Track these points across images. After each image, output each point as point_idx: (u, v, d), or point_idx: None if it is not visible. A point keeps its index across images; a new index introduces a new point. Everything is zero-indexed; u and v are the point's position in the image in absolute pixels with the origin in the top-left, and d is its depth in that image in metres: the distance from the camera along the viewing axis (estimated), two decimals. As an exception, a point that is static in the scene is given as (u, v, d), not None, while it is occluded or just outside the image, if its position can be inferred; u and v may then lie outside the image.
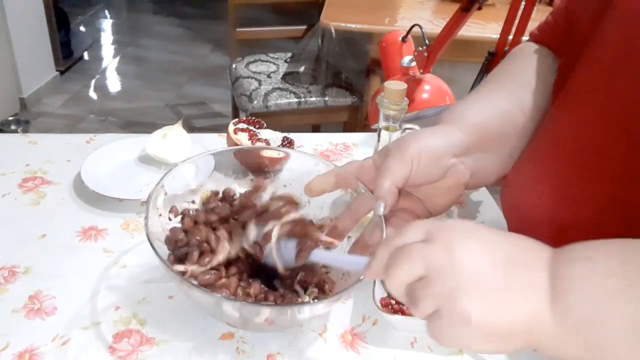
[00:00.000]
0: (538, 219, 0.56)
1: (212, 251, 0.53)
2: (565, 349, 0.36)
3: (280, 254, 0.52)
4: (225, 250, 0.53)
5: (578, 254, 0.37)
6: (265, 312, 0.50)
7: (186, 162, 0.61)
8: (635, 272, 0.34)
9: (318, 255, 0.52)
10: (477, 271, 0.37)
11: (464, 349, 0.38)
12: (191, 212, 0.58)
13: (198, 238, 0.54)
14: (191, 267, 0.52)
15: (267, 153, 0.69)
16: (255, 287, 0.52)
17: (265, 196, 0.59)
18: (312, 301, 0.54)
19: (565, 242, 0.39)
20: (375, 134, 0.72)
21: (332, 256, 0.55)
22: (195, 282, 0.51)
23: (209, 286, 0.51)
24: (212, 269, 0.53)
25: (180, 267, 0.52)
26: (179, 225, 0.57)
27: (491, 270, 0.37)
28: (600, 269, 0.36)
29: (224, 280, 0.52)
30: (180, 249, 0.54)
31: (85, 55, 3.57)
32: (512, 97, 0.61)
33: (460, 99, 0.63)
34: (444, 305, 0.37)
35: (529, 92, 0.61)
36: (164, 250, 0.54)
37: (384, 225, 0.53)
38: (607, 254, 0.37)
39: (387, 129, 0.70)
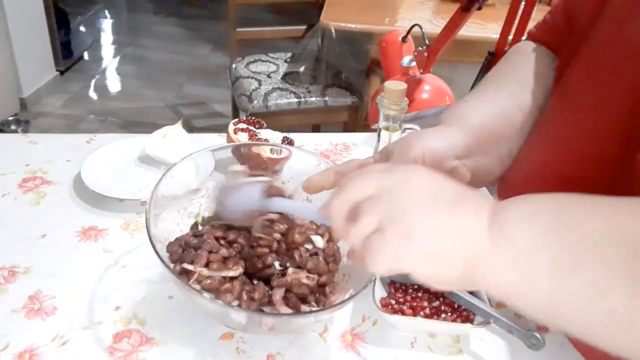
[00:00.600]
0: None
1: (223, 260, 0.54)
2: (501, 277, 0.37)
3: (245, 196, 0.54)
4: (239, 268, 0.54)
5: (520, 200, 0.38)
6: (268, 322, 0.50)
7: (186, 160, 0.61)
8: (563, 213, 0.36)
9: (280, 204, 0.53)
10: (424, 198, 0.39)
11: (399, 271, 0.39)
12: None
13: (210, 242, 0.54)
14: (199, 269, 0.52)
15: (266, 154, 0.69)
16: (260, 290, 0.52)
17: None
18: (316, 309, 0.54)
19: None
20: (375, 134, 0.72)
21: (294, 205, 0.55)
22: (197, 287, 0.51)
23: (212, 291, 0.51)
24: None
25: (189, 267, 0.52)
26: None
27: (437, 199, 0.39)
28: (535, 207, 0.37)
29: (227, 285, 0.52)
30: (190, 251, 0.54)
31: (85, 55, 3.56)
32: (511, 96, 0.62)
33: (461, 99, 0.63)
34: (387, 222, 0.38)
35: (528, 91, 0.62)
36: (165, 253, 0.54)
37: None
38: (543, 199, 0.38)
39: (387, 129, 0.70)
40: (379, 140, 0.73)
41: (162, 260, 0.49)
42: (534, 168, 0.57)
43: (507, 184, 0.61)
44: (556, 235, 0.35)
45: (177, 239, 0.57)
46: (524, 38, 0.73)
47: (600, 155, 0.50)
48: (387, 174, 0.41)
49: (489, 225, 0.37)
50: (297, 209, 0.54)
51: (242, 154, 0.67)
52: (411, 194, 0.39)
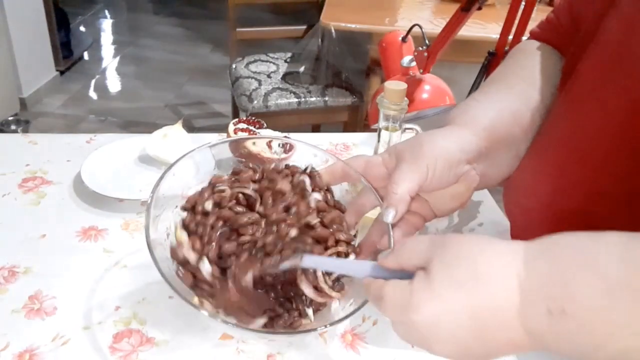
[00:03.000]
0: (539, 214, 0.56)
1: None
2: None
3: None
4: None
5: (552, 304, 0.36)
6: (261, 322, 0.49)
7: (185, 159, 0.59)
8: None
9: (310, 261, 0.49)
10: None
11: None
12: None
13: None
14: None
15: (266, 154, 0.69)
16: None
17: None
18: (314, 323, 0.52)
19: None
20: (375, 134, 0.72)
21: (326, 261, 0.51)
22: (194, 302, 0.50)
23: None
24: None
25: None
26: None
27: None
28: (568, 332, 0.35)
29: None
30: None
31: (85, 55, 3.56)
32: (521, 96, 0.61)
33: (471, 98, 0.63)
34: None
35: (536, 91, 0.61)
36: (164, 257, 0.53)
37: (392, 232, 0.52)
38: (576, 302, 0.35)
39: (387, 129, 0.70)
40: (379, 140, 0.73)
41: (158, 267, 0.49)
42: (539, 170, 0.57)
43: (513, 185, 0.61)
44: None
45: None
46: (524, 38, 0.72)
47: (605, 159, 0.50)
48: (407, 330, 0.43)
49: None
50: (334, 265, 0.51)
51: (242, 154, 0.67)
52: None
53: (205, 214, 0.53)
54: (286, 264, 0.50)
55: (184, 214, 0.55)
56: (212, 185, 0.56)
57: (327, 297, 0.52)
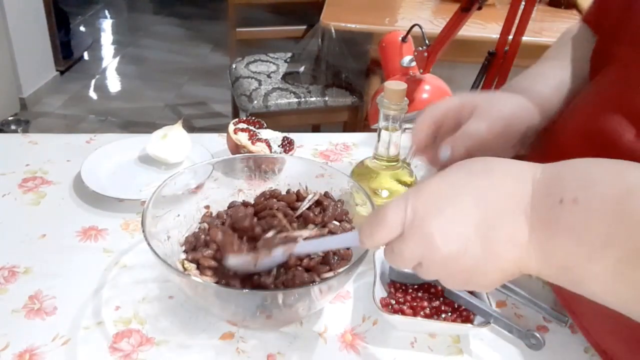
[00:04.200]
0: None
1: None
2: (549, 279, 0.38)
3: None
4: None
5: (566, 195, 0.35)
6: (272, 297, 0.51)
7: (186, 171, 0.63)
8: (619, 227, 0.33)
9: (304, 247, 0.52)
10: (456, 248, 0.38)
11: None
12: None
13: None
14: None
15: (266, 154, 0.69)
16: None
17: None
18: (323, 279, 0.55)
19: None
20: (375, 134, 0.72)
21: (318, 242, 0.53)
22: (198, 279, 0.51)
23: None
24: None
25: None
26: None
27: (470, 241, 0.37)
28: (582, 220, 0.35)
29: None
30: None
31: (85, 55, 3.56)
32: (568, 68, 0.65)
33: (533, 69, 0.67)
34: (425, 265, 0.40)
35: (579, 65, 0.65)
36: (162, 250, 0.54)
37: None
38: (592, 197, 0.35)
39: (387, 129, 0.70)
40: (379, 140, 0.73)
41: (156, 254, 0.49)
42: (577, 124, 0.57)
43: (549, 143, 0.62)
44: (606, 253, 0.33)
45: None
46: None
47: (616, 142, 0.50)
48: (405, 242, 0.40)
49: (533, 244, 0.36)
50: (326, 244, 0.53)
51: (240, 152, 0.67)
52: (442, 252, 0.38)
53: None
54: (279, 252, 0.53)
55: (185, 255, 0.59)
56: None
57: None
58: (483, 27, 1.72)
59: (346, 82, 2.06)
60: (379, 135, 0.72)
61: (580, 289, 0.36)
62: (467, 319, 0.57)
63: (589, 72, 0.64)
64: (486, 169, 0.39)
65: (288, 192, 0.65)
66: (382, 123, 0.70)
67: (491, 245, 0.37)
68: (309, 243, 0.53)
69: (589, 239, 0.34)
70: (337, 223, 0.60)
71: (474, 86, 1.25)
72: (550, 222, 0.35)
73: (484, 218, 0.37)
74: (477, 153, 0.53)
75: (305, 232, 0.57)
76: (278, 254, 0.53)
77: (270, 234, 0.56)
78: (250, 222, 0.58)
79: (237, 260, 0.54)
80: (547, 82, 0.64)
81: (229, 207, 0.65)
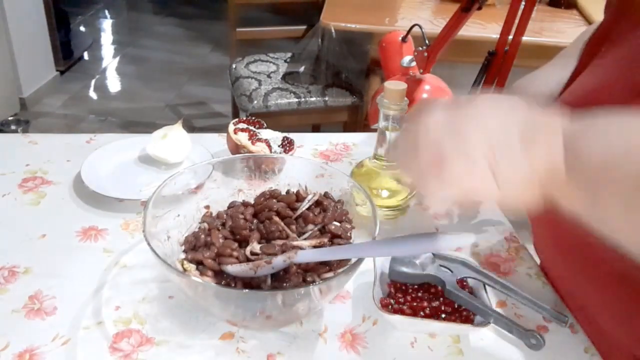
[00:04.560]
0: (569, 244, 0.59)
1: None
2: (573, 199, 0.40)
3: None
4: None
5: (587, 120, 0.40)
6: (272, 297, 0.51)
7: (186, 171, 0.63)
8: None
9: (304, 256, 0.53)
10: (491, 132, 0.40)
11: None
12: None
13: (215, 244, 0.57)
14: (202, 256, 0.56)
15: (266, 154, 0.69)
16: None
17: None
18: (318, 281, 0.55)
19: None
20: (375, 134, 0.72)
21: (319, 252, 0.55)
22: (198, 279, 0.51)
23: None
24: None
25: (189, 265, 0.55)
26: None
27: (506, 134, 0.39)
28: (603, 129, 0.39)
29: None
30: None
31: (85, 55, 3.56)
32: (569, 68, 0.65)
33: (538, 70, 0.69)
34: (450, 156, 0.40)
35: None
36: (162, 250, 0.55)
37: None
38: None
39: (387, 129, 0.70)
40: (378, 140, 0.73)
41: (156, 254, 0.49)
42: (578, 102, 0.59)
43: (542, 223, 0.64)
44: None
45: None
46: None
47: None
48: (452, 109, 0.41)
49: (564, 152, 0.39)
50: (330, 254, 0.55)
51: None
52: (476, 127, 0.39)
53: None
54: (280, 260, 0.53)
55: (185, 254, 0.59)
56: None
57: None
58: (483, 27, 1.72)
59: (346, 82, 2.06)
60: (378, 135, 0.72)
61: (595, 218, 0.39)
62: (467, 319, 0.57)
63: (580, 58, 0.64)
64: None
65: (288, 192, 0.65)
66: (382, 123, 0.70)
67: (526, 142, 0.39)
68: (309, 252, 0.54)
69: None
70: (337, 224, 0.60)
71: (474, 86, 1.25)
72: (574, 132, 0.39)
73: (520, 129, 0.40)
74: None
75: (305, 242, 0.58)
76: (279, 263, 0.53)
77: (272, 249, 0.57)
78: (249, 231, 0.59)
79: (236, 268, 0.54)
80: (547, 80, 0.65)
81: (229, 207, 0.65)
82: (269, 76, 2.09)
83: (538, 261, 0.71)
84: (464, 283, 0.60)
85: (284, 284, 0.54)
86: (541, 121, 0.40)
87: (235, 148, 0.80)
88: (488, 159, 0.39)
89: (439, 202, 0.44)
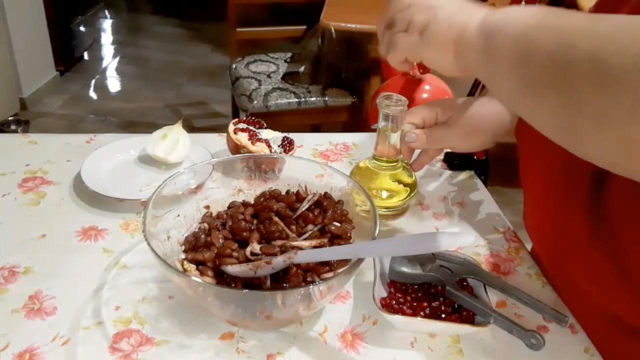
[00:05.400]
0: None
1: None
2: (472, 54, 0.51)
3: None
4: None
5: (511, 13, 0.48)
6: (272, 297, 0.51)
7: (186, 171, 0.63)
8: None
9: (304, 257, 0.54)
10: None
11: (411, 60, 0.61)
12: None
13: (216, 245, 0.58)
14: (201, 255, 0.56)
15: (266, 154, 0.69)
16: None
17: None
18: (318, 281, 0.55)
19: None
20: (375, 134, 0.72)
21: (318, 253, 0.56)
22: (198, 279, 0.51)
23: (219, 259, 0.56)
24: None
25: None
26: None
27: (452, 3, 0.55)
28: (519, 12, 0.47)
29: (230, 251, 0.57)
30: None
31: (85, 55, 3.56)
32: None
33: None
34: (412, 24, 0.58)
35: None
36: (162, 250, 0.55)
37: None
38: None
39: (386, 129, 0.70)
40: (378, 141, 0.73)
41: (156, 254, 0.49)
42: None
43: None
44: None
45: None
46: None
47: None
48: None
49: (480, 23, 0.50)
50: (327, 254, 0.56)
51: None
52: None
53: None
54: (280, 260, 0.54)
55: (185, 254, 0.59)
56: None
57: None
58: (483, 27, 1.72)
59: (346, 82, 2.06)
60: (378, 135, 0.72)
61: (493, 90, 0.51)
62: (467, 319, 0.57)
63: None
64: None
65: (288, 192, 0.65)
66: (382, 123, 0.70)
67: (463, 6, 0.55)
68: (309, 252, 0.55)
69: (496, 66, 0.47)
70: (337, 224, 0.60)
71: (474, 86, 1.25)
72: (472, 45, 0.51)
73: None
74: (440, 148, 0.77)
75: (305, 243, 0.58)
76: (279, 263, 0.54)
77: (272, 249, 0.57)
78: (249, 232, 0.59)
79: (236, 269, 0.54)
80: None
81: (229, 207, 0.65)
82: (269, 76, 2.09)
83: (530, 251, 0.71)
84: (464, 283, 0.60)
85: (284, 284, 0.54)
86: (470, 7, 0.53)
87: (235, 148, 0.80)
88: (422, 27, 0.55)
89: (392, 60, 0.62)
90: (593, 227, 0.55)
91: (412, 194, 0.73)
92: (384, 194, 0.71)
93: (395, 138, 0.70)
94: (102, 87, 3.25)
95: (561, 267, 0.64)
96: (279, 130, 0.85)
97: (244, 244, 0.58)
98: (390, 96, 0.69)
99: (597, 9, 0.65)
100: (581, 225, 0.56)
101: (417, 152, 0.76)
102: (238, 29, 2.19)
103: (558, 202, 0.60)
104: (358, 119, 2.05)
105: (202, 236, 0.58)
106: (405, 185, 0.72)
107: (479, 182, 0.85)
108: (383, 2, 0.64)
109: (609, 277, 0.55)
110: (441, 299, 0.58)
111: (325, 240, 0.58)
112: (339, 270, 0.55)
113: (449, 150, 0.86)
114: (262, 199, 0.63)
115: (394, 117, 0.68)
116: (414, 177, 0.74)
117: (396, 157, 0.72)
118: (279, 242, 0.58)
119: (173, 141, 0.83)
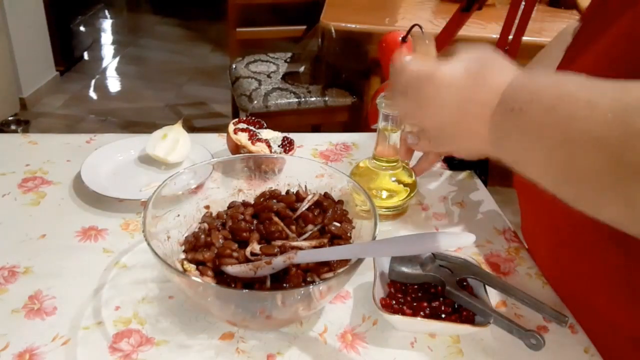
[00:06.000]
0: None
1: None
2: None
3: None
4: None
5: (515, 105, 0.46)
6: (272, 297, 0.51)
7: (186, 171, 0.63)
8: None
9: (304, 257, 0.54)
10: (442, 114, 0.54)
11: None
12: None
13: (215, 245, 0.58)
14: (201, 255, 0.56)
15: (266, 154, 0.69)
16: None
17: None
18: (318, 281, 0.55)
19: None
20: (375, 134, 0.72)
21: (318, 253, 0.56)
22: (198, 279, 0.51)
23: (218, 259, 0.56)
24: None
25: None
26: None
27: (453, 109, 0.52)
28: (526, 124, 0.45)
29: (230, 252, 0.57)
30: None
31: (85, 55, 3.57)
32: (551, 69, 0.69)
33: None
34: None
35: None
36: (162, 250, 0.55)
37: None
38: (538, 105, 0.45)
39: (386, 129, 0.70)
40: (378, 141, 0.73)
41: (156, 254, 0.49)
42: None
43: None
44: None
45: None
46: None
47: None
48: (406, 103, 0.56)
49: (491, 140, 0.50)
50: (326, 254, 0.56)
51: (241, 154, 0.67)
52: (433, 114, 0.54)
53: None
54: (280, 260, 0.54)
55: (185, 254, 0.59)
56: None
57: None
58: (483, 27, 1.72)
59: (346, 82, 2.06)
60: (378, 136, 0.72)
61: (521, 169, 0.47)
62: (467, 319, 0.57)
63: (568, 48, 0.66)
64: (479, 65, 0.51)
65: (288, 192, 0.65)
66: (382, 123, 0.70)
67: (463, 123, 0.52)
68: (308, 253, 0.55)
69: (528, 137, 0.45)
70: (337, 224, 0.60)
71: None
72: (501, 126, 0.48)
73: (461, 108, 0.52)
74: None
75: (305, 243, 0.58)
76: (279, 263, 0.54)
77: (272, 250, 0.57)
78: (249, 232, 0.59)
79: (236, 269, 0.54)
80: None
81: (229, 207, 0.65)
82: (269, 76, 2.10)
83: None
84: (464, 283, 0.60)
85: (284, 284, 0.54)
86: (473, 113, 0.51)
87: (235, 148, 0.80)
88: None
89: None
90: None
91: (412, 194, 0.73)
92: (384, 194, 0.72)
93: (395, 138, 0.70)
94: (102, 87, 3.25)
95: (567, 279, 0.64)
96: (279, 130, 0.85)
97: (244, 244, 0.58)
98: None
99: (590, 7, 0.65)
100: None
101: (416, 155, 0.76)
102: (238, 29, 2.19)
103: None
104: (358, 119, 2.05)
105: (202, 236, 0.58)
106: (405, 185, 0.72)
107: (479, 182, 0.85)
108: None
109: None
110: (441, 299, 0.58)
111: (325, 241, 0.58)
112: (339, 271, 0.55)
113: None
114: (262, 199, 0.63)
115: (394, 117, 0.68)
116: (413, 177, 0.74)
117: (396, 157, 0.72)
118: (278, 242, 0.58)
119: (173, 141, 0.83)
